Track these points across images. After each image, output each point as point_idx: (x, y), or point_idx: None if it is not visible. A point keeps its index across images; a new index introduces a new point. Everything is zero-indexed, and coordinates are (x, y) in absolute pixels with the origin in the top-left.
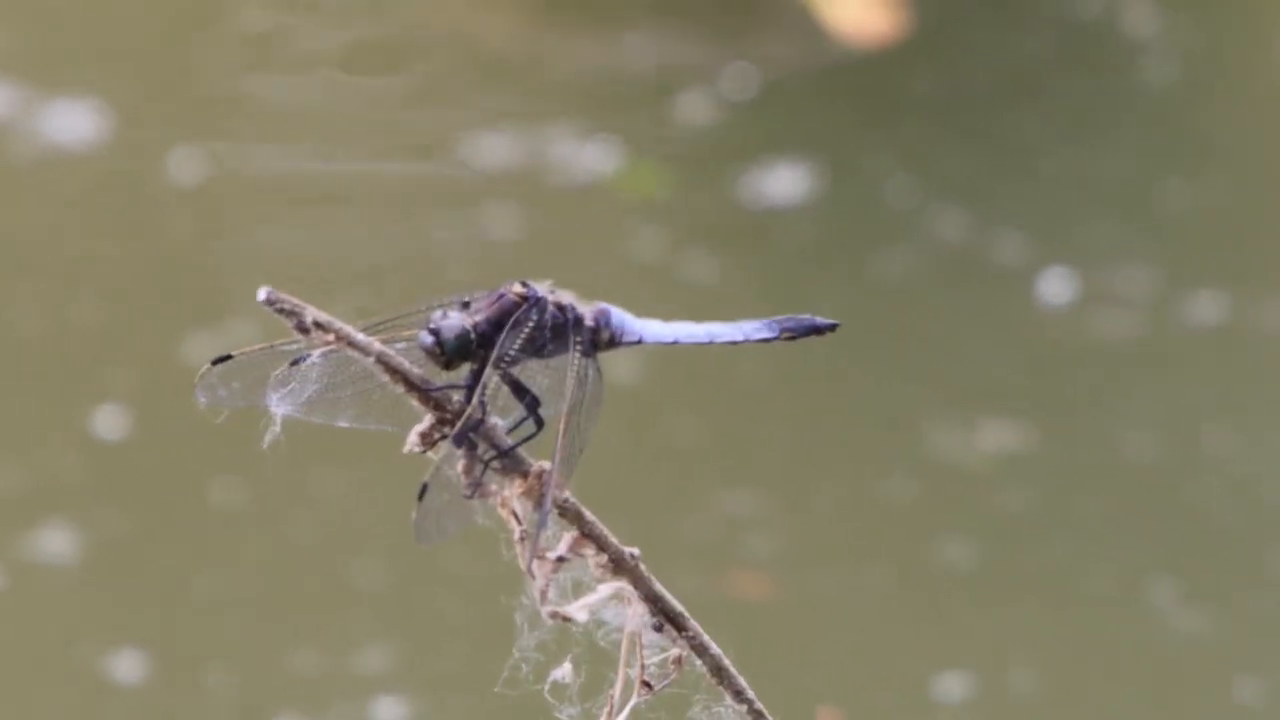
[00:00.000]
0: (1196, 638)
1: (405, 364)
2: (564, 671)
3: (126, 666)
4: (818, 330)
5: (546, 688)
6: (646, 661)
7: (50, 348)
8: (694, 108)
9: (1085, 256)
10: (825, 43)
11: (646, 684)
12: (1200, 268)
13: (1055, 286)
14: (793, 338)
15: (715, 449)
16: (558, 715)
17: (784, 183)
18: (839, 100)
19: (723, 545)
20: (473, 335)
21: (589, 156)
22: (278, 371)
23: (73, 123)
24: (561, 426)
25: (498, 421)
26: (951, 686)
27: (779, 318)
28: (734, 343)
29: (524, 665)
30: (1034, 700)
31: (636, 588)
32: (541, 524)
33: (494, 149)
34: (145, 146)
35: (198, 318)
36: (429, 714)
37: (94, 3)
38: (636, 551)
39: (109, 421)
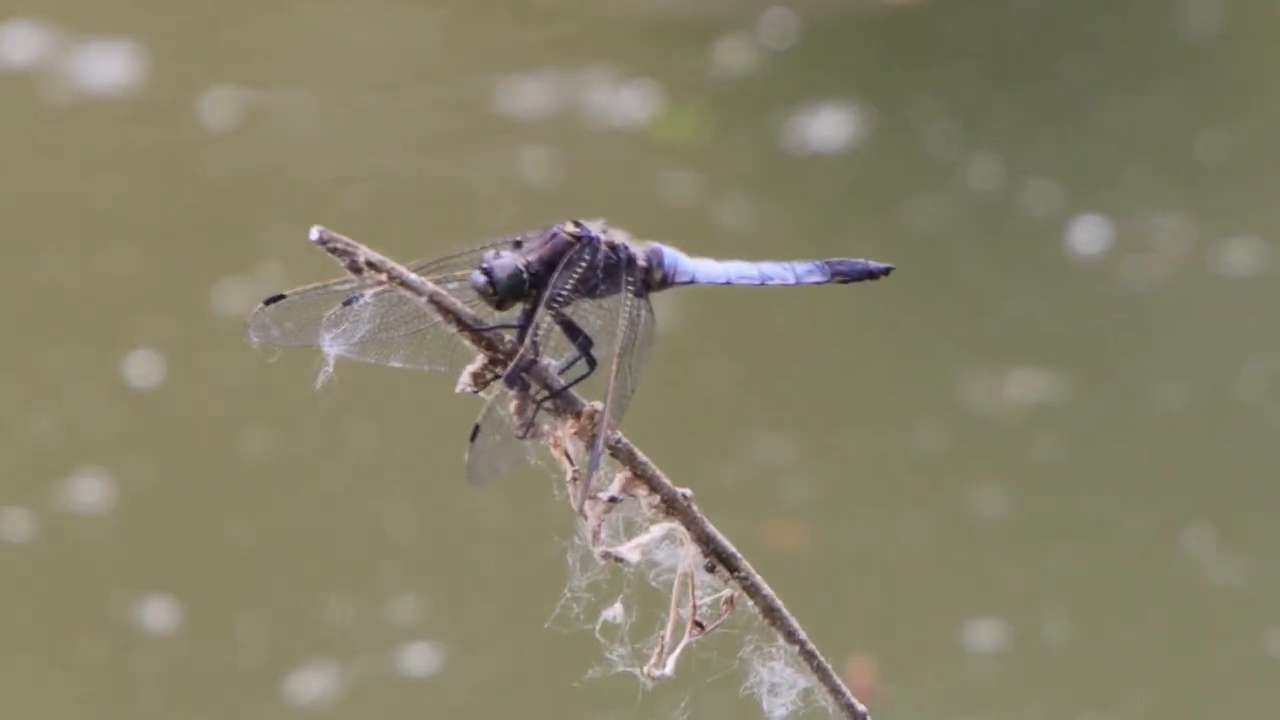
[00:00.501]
0: (1229, 588)
1: (458, 304)
2: (615, 612)
3: (157, 615)
4: (871, 275)
5: (598, 627)
6: (698, 602)
7: (83, 295)
8: (733, 54)
9: (1118, 205)
10: None
11: (698, 624)
12: (1235, 216)
13: (1087, 235)
14: (845, 281)
15: (749, 396)
16: (609, 655)
17: (824, 129)
18: (878, 48)
19: (758, 493)
20: (525, 275)
21: (626, 102)
22: (330, 311)
23: (106, 66)
24: (614, 367)
25: (550, 361)
26: (984, 636)
27: (832, 260)
28: (786, 284)
29: (575, 605)
30: (1067, 648)
31: (689, 528)
32: (594, 464)
33: (530, 93)
34: (179, 89)
35: (231, 264)
36: (458, 664)
37: None
38: (689, 492)
39: (142, 369)
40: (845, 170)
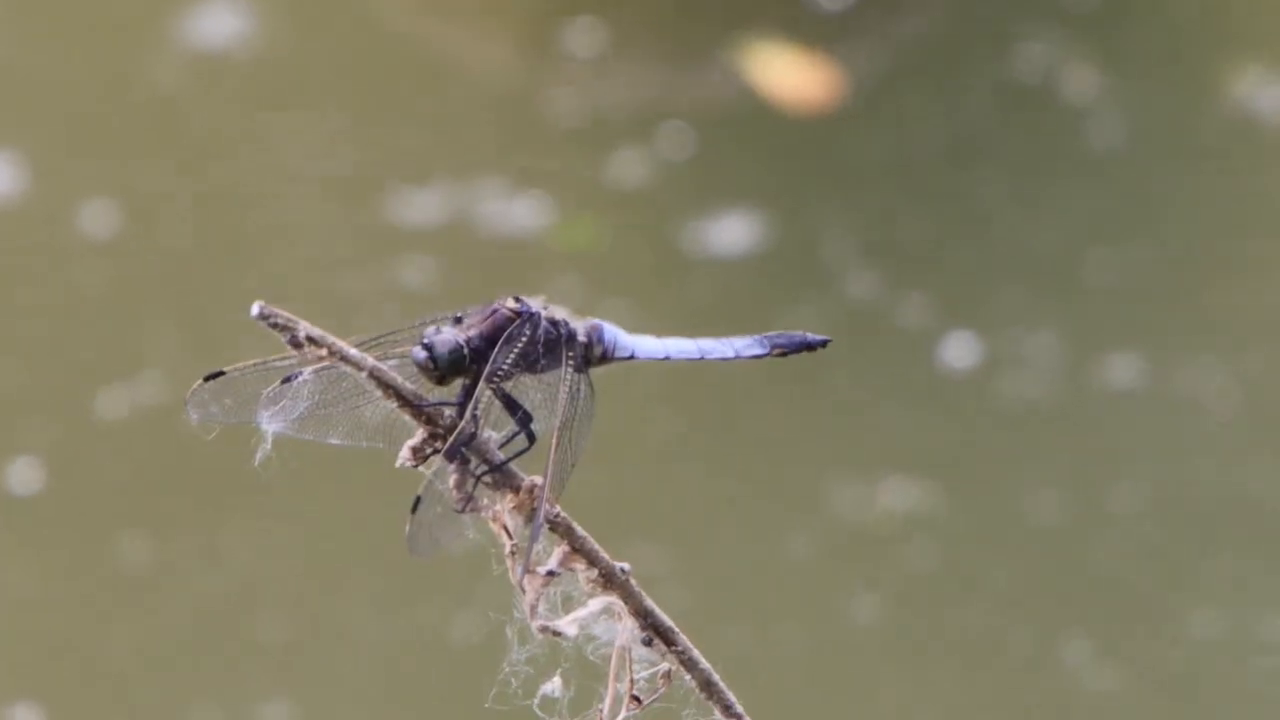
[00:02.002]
0: (1109, 696)
1: (398, 379)
2: (554, 685)
3: None
4: (809, 346)
5: (536, 702)
6: (636, 676)
7: None
8: (630, 165)
9: (992, 320)
10: (762, 106)
11: (636, 699)
12: (1113, 333)
13: (959, 350)
14: (784, 353)
15: (620, 505)
16: None
17: (720, 236)
18: (780, 160)
19: None
20: (466, 350)
21: (520, 212)
22: (269, 389)
23: None
24: (554, 442)
25: (490, 435)
26: None
27: (771, 334)
28: (725, 358)
29: (513, 680)
30: None
31: (627, 602)
32: (533, 538)
33: (422, 203)
34: (59, 199)
35: (113, 371)
36: None
37: (10, 55)
38: (627, 566)
39: (23, 475)
40: (734, 277)
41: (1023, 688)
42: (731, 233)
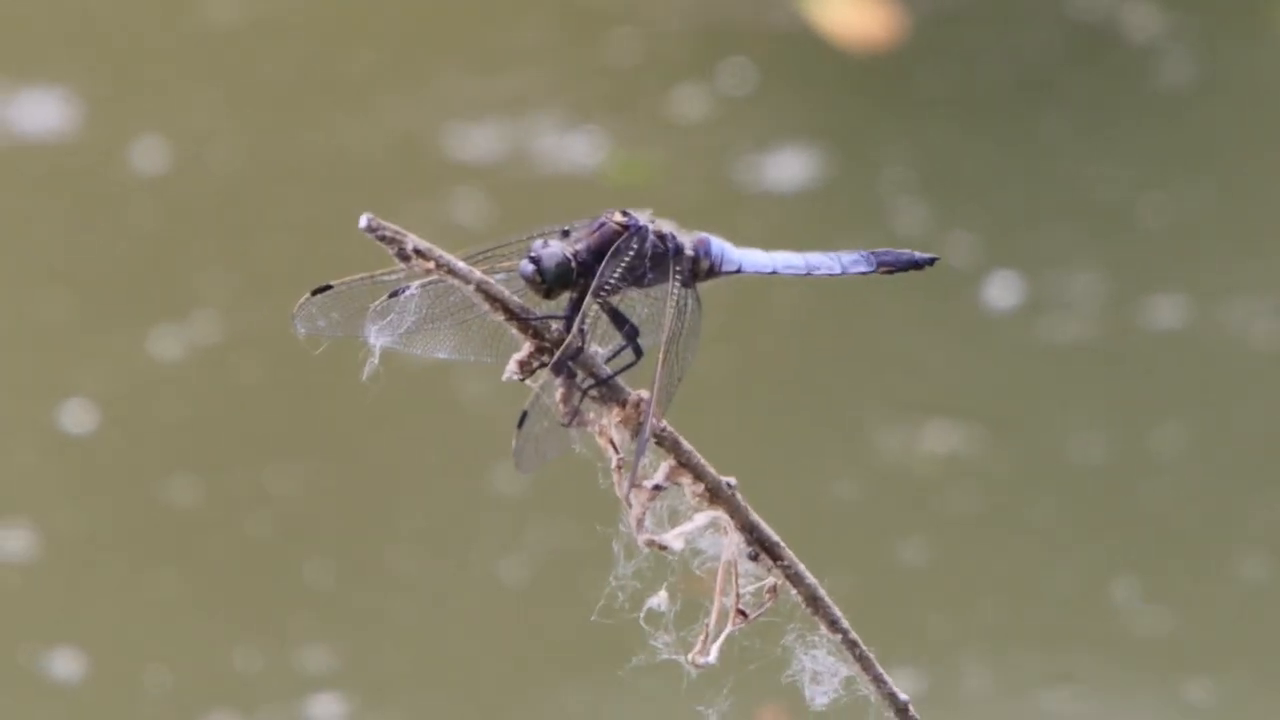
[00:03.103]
0: (1152, 639)
1: (505, 292)
2: (660, 599)
3: (65, 665)
4: (916, 265)
5: (643, 615)
6: (742, 591)
7: (17, 341)
8: (690, 102)
9: (1036, 260)
10: (823, 43)
11: (742, 613)
12: (1159, 275)
13: (1001, 290)
14: (890, 271)
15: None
16: (653, 642)
17: (776, 171)
18: (842, 96)
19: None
20: (573, 263)
21: (576, 147)
22: (376, 303)
23: (40, 112)
24: (660, 356)
25: (597, 350)
26: (904, 685)
27: (878, 250)
28: (832, 274)
29: (620, 593)
30: (985, 698)
31: (733, 517)
32: (640, 452)
33: (477, 138)
34: (112, 136)
35: (164, 311)
36: (366, 714)
37: None
38: (733, 481)
39: (75, 416)
40: (785, 211)
41: (1070, 628)
42: (786, 168)
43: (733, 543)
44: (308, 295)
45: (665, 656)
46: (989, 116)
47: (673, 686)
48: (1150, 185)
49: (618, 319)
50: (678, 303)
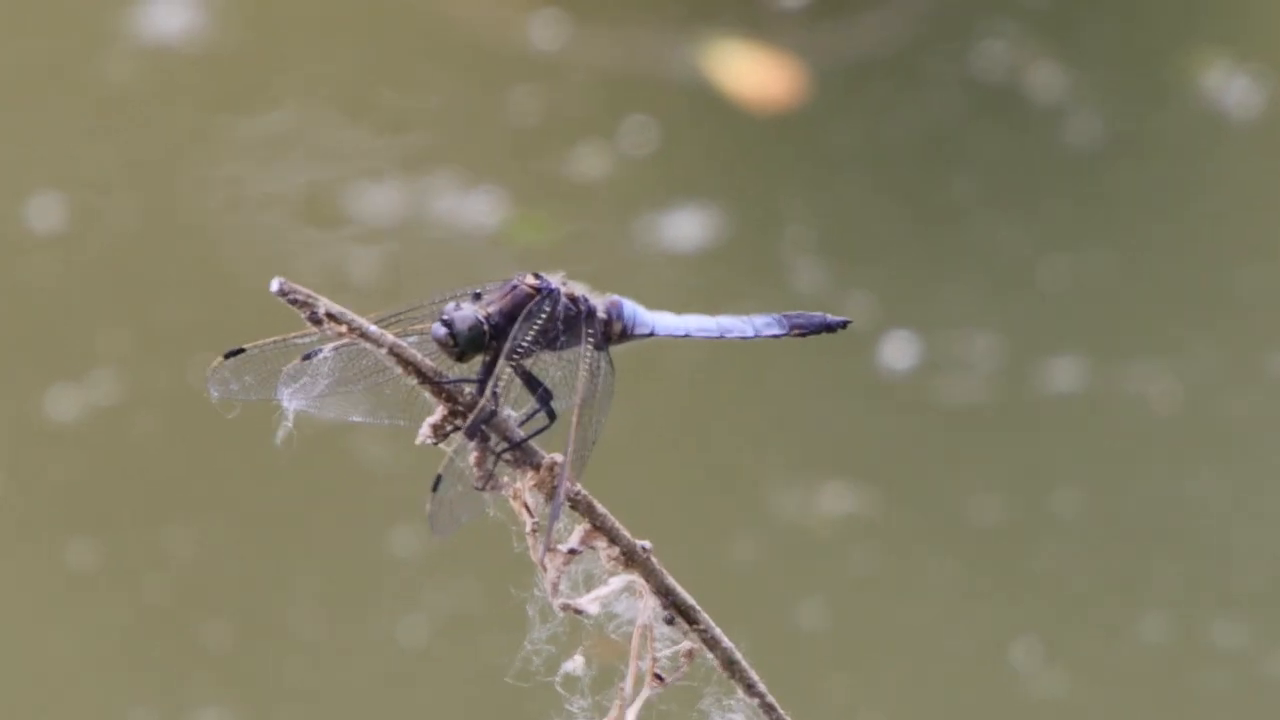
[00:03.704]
0: (1052, 701)
1: (418, 356)
2: (575, 664)
3: None
4: (829, 328)
5: (558, 680)
6: (658, 654)
7: None
8: (591, 160)
9: (933, 320)
10: (724, 103)
11: (658, 677)
12: (1058, 336)
13: (898, 350)
14: (803, 334)
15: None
16: (569, 707)
17: (678, 230)
18: (734, 157)
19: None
20: (486, 326)
21: (475, 207)
22: (289, 366)
23: None
24: (574, 419)
25: (510, 413)
26: None
27: (790, 313)
28: (745, 337)
29: (535, 658)
30: None
31: (648, 580)
32: (554, 516)
33: (376, 196)
34: (7, 193)
35: (61, 371)
36: None
37: None
38: (648, 544)
39: None
40: (684, 271)
41: (969, 689)
42: (685, 227)
43: (648, 606)
44: (220, 359)
45: None
46: (892, 175)
47: None
48: (1053, 246)
49: (531, 382)
50: (590, 365)
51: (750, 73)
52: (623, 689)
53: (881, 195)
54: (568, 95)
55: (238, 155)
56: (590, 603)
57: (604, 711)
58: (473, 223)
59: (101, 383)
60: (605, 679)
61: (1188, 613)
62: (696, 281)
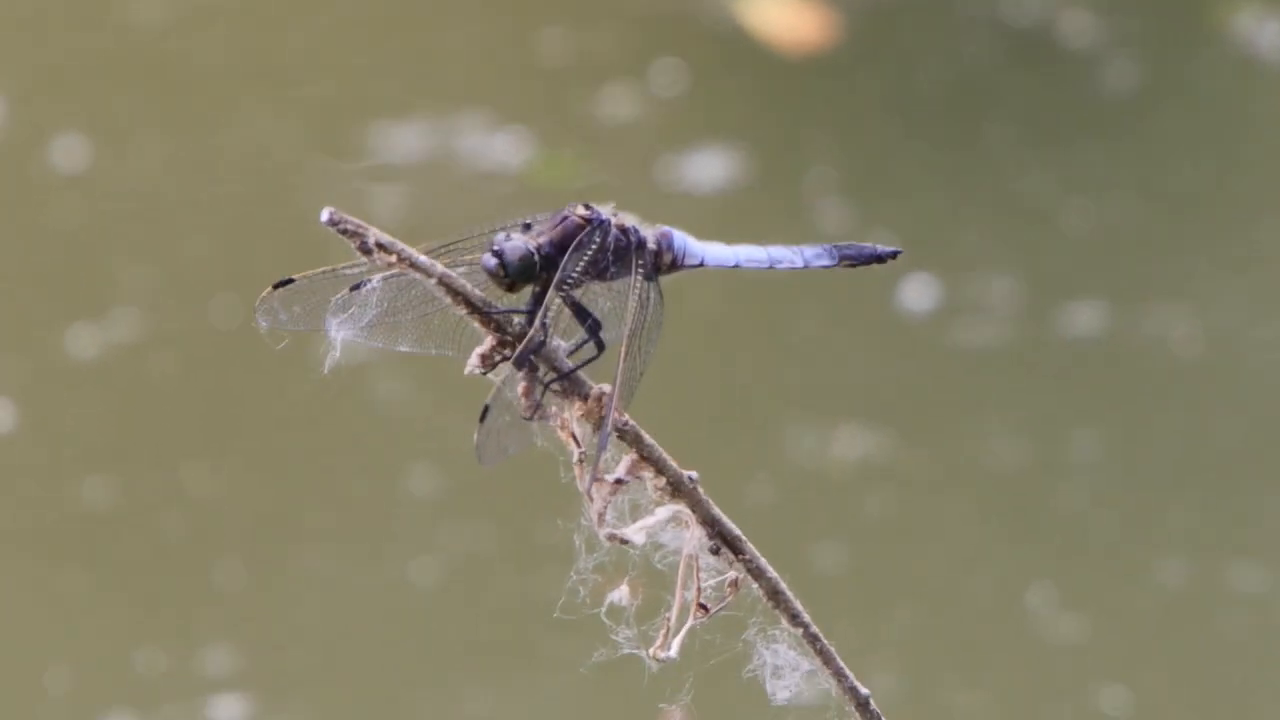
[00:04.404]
0: (1068, 646)
1: (467, 285)
2: (621, 594)
3: None
4: (879, 258)
5: (603, 610)
6: (703, 584)
7: None
8: (619, 101)
9: (953, 264)
10: (755, 46)
11: (703, 606)
12: (1080, 280)
13: (918, 293)
14: (852, 265)
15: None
16: (614, 637)
17: (700, 171)
18: (763, 100)
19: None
20: (536, 257)
21: (502, 146)
22: (338, 296)
23: None
24: (623, 350)
25: (559, 344)
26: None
27: (840, 244)
28: (794, 267)
29: (581, 588)
30: (898, 705)
31: (694, 510)
32: (601, 446)
33: (402, 136)
34: (32, 134)
35: (82, 310)
36: (268, 716)
37: None
38: (695, 474)
39: None
40: (708, 210)
41: (984, 634)
42: (711, 168)
43: (694, 537)
44: (269, 289)
45: (627, 651)
46: (921, 120)
47: (634, 682)
48: (1078, 190)
49: (580, 313)
50: (640, 296)
51: (781, 16)
52: (668, 619)
53: (910, 139)
54: (598, 37)
55: (261, 95)
56: (636, 532)
57: (649, 641)
58: (498, 162)
59: (121, 321)
60: (651, 609)
61: (1206, 557)
62: (720, 222)
